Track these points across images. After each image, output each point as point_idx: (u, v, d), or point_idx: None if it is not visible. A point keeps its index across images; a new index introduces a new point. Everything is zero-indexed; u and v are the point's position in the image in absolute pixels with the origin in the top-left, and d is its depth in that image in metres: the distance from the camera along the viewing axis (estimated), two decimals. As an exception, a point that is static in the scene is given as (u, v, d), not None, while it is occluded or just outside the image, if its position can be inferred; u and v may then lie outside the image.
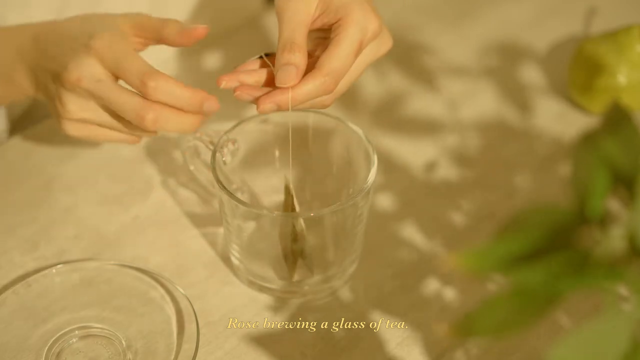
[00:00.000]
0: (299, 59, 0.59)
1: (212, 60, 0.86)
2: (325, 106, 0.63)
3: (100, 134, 0.63)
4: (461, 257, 0.35)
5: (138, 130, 0.61)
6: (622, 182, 0.36)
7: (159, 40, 0.62)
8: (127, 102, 0.58)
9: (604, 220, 0.35)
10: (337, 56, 0.60)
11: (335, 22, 0.61)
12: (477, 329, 0.36)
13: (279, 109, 0.59)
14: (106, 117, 0.61)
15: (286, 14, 0.61)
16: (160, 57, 0.84)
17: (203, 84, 0.77)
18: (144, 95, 0.58)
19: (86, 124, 0.62)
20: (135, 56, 0.59)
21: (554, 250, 0.35)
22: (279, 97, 0.59)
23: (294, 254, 0.63)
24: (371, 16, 0.61)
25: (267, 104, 0.59)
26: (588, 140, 0.36)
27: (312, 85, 0.59)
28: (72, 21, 0.64)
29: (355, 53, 0.61)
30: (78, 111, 0.60)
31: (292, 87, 0.59)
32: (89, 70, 0.59)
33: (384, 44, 0.64)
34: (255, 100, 0.60)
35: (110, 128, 0.62)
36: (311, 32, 0.63)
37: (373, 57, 0.64)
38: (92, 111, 0.61)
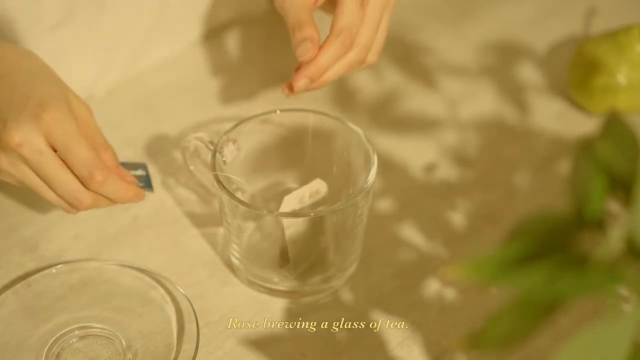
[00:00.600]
0: (310, 32, 0.62)
1: (234, 44, 0.86)
2: (371, 64, 0.67)
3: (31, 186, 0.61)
4: (461, 267, 0.35)
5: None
6: (621, 185, 0.36)
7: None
8: (66, 183, 0.59)
9: (603, 223, 0.35)
10: (342, 13, 0.63)
11: None
12: (487, 343, 0.36)
13: (313, 81, 0.63)
14: (37, 182, 0.60)
15: (287, 2, 0.64)
16: (185, 42, 0.84)
17: (225, 69, 0.78)
18: (86, 186, 0.59)
19: (12, 177, 0.61)
20: (84, 143, 0.59)
21: (553, 254, 0.35)
22: (307, 70, 0.62)
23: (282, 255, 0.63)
24: None
25: (300, 80, 0.63)
26: (587, 146, 0.36)
27: (331, 48, 0.62)
28: (28, 71, 0.62)
29: (358, 4, 0.63)
30: (8, 167, 0.60)
31: (316, 57, 0.62)
32: (33, 140, 0.58)
33: None
34: (288, 85, 0.64)
35: (36, 191, 0.61)
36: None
37: (379, 2, 0.65)
38: (24, 174, 0.60)
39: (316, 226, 0.63)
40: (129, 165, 0.66)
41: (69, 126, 0.59)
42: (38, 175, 0.60)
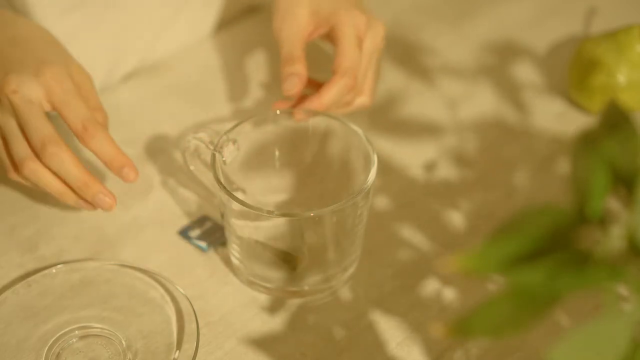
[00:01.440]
0: (299, 69, 0.68)
1: (234, 44, 0.86)
2: (366, 106, 0.72)
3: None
4: (461, 259, 0.35)
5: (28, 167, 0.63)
6: (622, 182, 0.36)
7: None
8: (40, 129, 0.62)
9: (604, 220, 0.35)
10: (344, 56, 0.68)
11: (330, 30, 0.70)
12: (474, 330, 0.36)
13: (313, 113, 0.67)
14: (10, 130, 0.64)
15: (283, 33, 0.70)
16: (199, 33, 0.87)
17: (225, 69, 0.77)
18: (80, 139, 0.63)
19: None
20: (81, 100, 0.64)
21: (553, 250, 0.35)
22: (311, 105, 0.67)
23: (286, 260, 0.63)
24: (356, 13, 0.69)
25: (300, 112, 0.67)
26: (586, 139, 0.36)
27: (335, 87, 0.67)
28: (40, 38, 0.68)
29: (358, 46, 0.69)
30: None
31: (321, 93, 0.67)
32: (27, 90, 0.63)
33: (378, 31, 0.71)
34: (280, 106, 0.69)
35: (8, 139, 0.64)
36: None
37: (374, 45, 0.70)
38: (3, 120, 0.64)
39: (316, 226, 0.63)
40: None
41: (67, 85, 0.64)
42: (19, 122, 0.63)
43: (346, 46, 0.68)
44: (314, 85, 0.70)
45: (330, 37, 0.71)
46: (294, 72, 0.67)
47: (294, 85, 0.67)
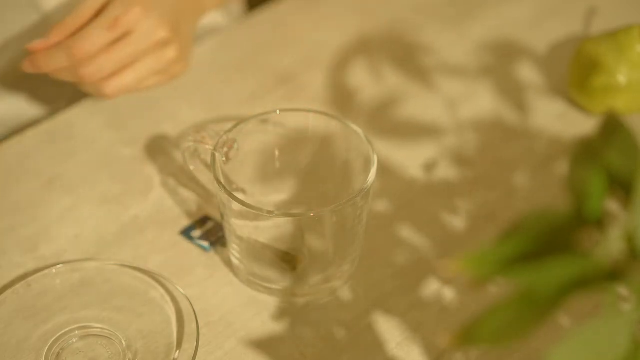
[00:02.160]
0: (54, 37, 0.72)
1: (234, 44, 0.86)
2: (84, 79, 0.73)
3: None
4: (461, 262, 0.35)
5: None
6: (620, 185, 0.36)
7: None
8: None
9: (603, 222, 0.35)
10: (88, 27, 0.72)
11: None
12: (479, 338, 0.36)
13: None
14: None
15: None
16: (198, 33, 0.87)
17: (225, 69, 0.77)
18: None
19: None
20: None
21: (553, 252, 0.35)
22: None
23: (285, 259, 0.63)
24: (159, 21, 0.74)
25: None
26: (585, 147, 0.37)
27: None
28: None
29: (105, 25, 0.72)
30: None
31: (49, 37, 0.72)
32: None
33: (170, 54, 0.75)
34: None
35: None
36: None
37: (144, 43, 0.73)
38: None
39: (316, 226, 0.63)
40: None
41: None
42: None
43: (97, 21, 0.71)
44: None
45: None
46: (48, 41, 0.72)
47: (37, 44, 0.72)
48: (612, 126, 0.37)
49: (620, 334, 0.35)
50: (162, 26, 0.72)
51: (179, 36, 0.74)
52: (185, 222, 0.70)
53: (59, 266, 0.64)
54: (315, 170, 0.68)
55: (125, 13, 0.71)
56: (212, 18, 0.88)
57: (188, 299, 0.62)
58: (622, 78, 0.75)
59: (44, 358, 0.60)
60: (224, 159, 0.63)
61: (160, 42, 0.73)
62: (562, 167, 0.75)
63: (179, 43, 0.74)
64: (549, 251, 0.35)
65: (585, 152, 0.37)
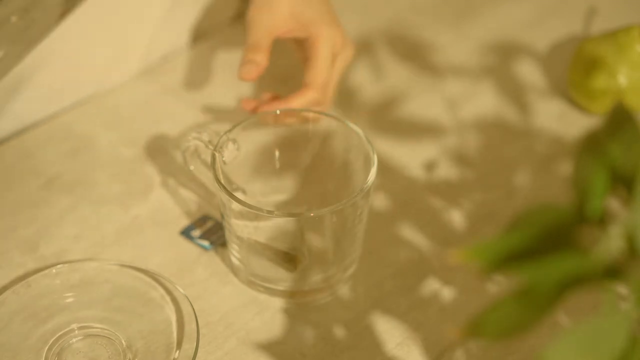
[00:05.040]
0: (261, 58, 0.69)
1: (234, 44, 0.86)
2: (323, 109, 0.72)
3: None
4: (467, 252, 0.35)
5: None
6: (622, 182, 0.36)
7: None
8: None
9: (604, 220, 0.35)
10: (319, 71, 0.70)
11: (307, 38, 0.72)
12: (486, 330, 0.36)
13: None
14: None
15: (255, 22, 0.71)
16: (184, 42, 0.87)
17: (225, 69, 0.78)
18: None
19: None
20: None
21: (553, 248, 0.35)
22: (278, 106, 0.69)
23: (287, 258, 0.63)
24: (336, 31, 0.72)
25: (266, 111, 0.68)
26: (591, 140, 0.36)
27: (304, 98, 0.69)
28: None
29: (331, 65, 0.72)
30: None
31: (289, 99, 0.69)
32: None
33: (350, 53, 0.74)
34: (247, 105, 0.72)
35: None
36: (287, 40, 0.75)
37: (343, 65, 0.74)
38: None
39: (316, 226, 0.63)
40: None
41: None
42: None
43: (322, 62, 0.70)
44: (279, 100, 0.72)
45: (304, 45, 0.72)
46: (254, 60, 0.69)
47: (250, 72, 0.69)
48: (620, 119, 0.37)
49: (619, 332, 0.35)
50: (345, 37, 0.74)
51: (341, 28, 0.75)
52: (185, 222, 0.70)
53: (59, 266, 0.64)
54: (315, 170, 0.68)
55: (347, 58, 0.74)
56: (212, 19, 0.88)
57: (188, 299, 0.62)
58: (622, 78, 0.75)
59: (44, 358, 0.60)
60: (224, 159, 0.63)
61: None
62: (562, 167, 0.75)
63: (345, 36, 0.74)
64: (549, 247, 0.35)
65: (591, 145, 0.36)
